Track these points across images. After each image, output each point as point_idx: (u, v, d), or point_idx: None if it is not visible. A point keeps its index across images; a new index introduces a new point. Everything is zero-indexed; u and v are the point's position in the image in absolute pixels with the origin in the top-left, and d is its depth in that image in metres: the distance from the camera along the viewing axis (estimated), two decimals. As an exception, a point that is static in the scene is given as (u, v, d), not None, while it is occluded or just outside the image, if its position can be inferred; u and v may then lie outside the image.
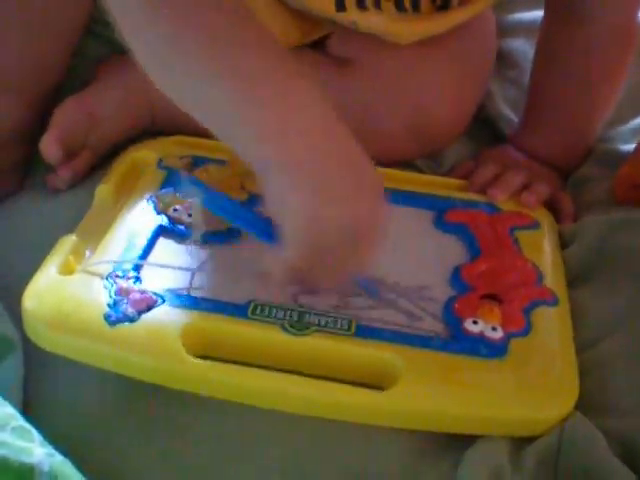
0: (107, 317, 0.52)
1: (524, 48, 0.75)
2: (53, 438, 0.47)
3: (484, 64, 0.77)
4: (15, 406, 0.50)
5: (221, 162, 0.68)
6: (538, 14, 0.74)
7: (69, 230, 0.60)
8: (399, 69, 0.71)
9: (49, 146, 0.67)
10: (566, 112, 0.72)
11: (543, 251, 0.63)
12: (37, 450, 0.46)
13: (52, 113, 0.69)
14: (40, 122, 0.70)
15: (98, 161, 0.71)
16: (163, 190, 0.64)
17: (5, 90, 0.69)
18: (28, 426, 0.48)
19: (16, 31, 0.69)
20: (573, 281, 0.62)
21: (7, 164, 0.70)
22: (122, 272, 0.56)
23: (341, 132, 0.49)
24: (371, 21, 0.70)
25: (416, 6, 0.70)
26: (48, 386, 0.54)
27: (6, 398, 0.50)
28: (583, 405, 0.53)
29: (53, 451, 0.47)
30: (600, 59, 0.70)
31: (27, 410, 0.52)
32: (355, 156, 0.49)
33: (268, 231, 0.52)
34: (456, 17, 0.71)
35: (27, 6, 0.68)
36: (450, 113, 0.72)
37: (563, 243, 0.66)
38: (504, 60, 0.84)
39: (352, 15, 0.70)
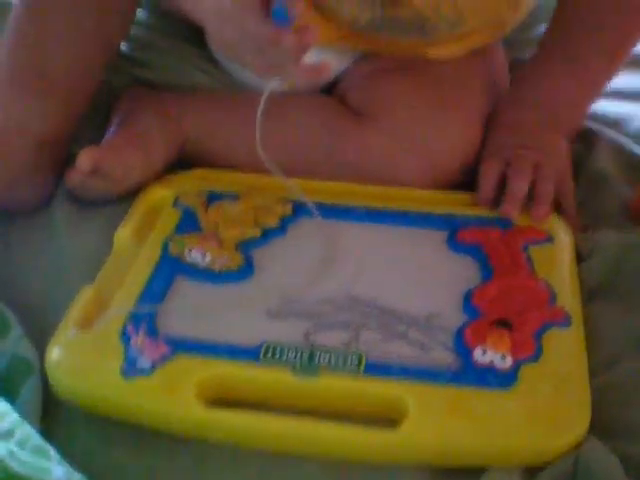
0: (123, 371, 0.55)
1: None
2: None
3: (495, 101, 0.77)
4: (34, 425, 0.52)
5: (236, 196, 0.69)
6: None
7: (92, 257, 0.65)
8: (414, 120, 0.72)
9: (84, 156, 0.68)
10: (576, 46, 0.72)
11: (557, 267, 0.63)
12: (56, 469, 0.49)
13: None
14: (73, 131, 0.72)
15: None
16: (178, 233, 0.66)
17: (42, 92, 0.70)
18: (46, 445, 0.50)
19: (56, 36, 0.70)
20: (589, 297, 0.62)
21: (40, 167, 0.71)
22: (137, 323, 0.57)
23: None
24: None
25: None
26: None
27: (26, 417, 0.52)
28: (599, 429, 0.53)
29: (71, 469, 0.49)
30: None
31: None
32: None
33: None
34: None
35: (67, 11, 0.70)
36: (466, 155, 0.72)
37: (579, 256, 0.66)
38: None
39: None
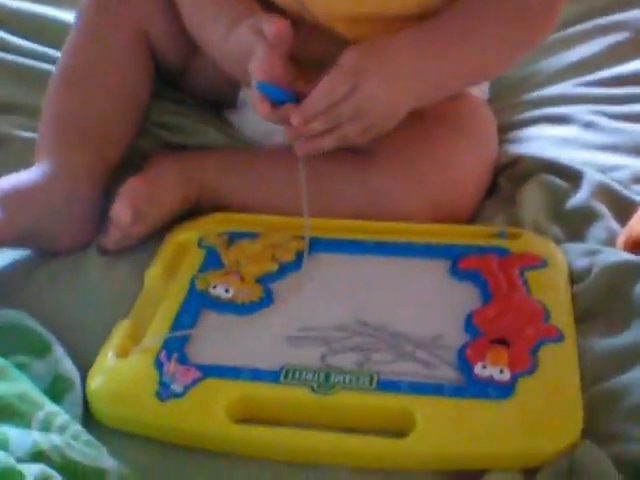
0: (158, 394, 0.61)
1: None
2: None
3: (492, 133, 0.83)
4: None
5: (254, 235, 0.75)
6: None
7: (122, 291, 0.72)
8: (415, 154, 0.76)
9: (122, 210, 0.74)
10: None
11: (551, 289, 0.69)
12: (106, 458, 0.56)
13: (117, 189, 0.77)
14: (106, 181, 0.80)
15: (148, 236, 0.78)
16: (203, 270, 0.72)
17: (77, 140, 0.80)
18: (96, 441, 0.57)
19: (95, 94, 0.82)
20: (584, 317, 0.67)
21: (77, 209, 0.77)
22: (169, 352, 0.64)
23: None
24: None
25: None
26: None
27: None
28: (593, 435, 0.58)
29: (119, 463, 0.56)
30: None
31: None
32: None
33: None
34: None
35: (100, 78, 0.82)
36: (470, 189, 0.78)
37: (576, 278, 0.71)
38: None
39: None
